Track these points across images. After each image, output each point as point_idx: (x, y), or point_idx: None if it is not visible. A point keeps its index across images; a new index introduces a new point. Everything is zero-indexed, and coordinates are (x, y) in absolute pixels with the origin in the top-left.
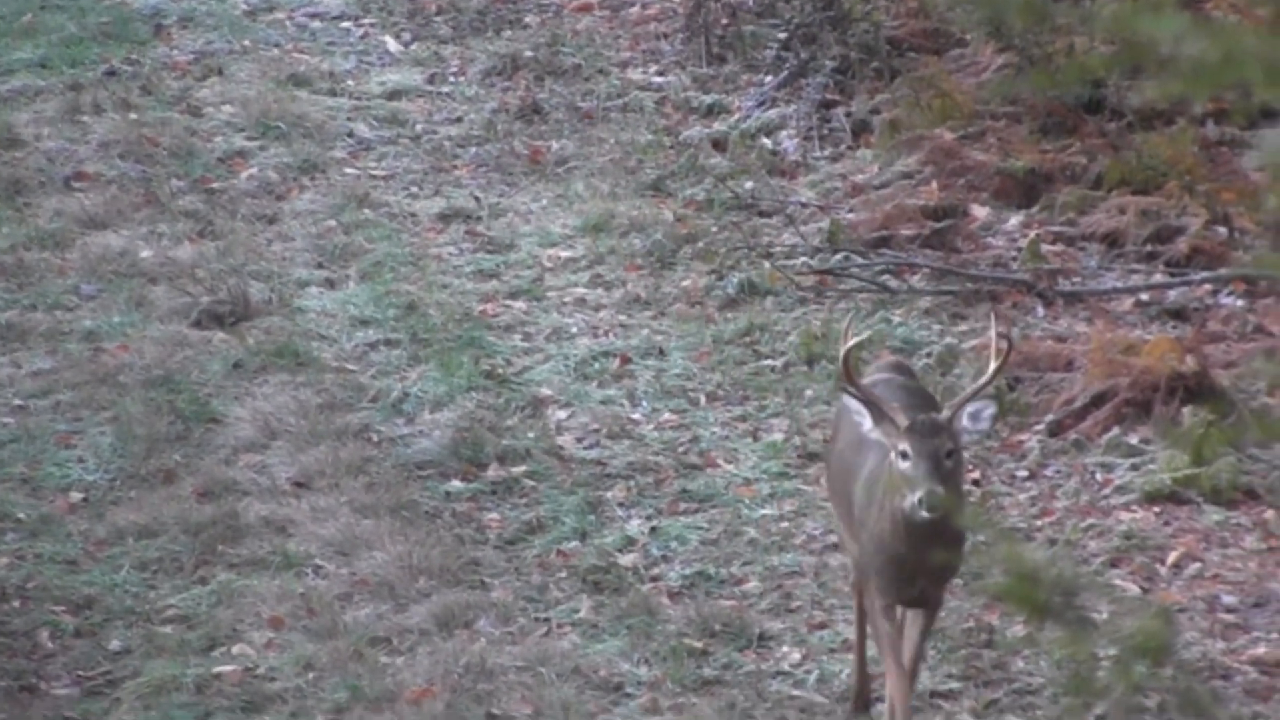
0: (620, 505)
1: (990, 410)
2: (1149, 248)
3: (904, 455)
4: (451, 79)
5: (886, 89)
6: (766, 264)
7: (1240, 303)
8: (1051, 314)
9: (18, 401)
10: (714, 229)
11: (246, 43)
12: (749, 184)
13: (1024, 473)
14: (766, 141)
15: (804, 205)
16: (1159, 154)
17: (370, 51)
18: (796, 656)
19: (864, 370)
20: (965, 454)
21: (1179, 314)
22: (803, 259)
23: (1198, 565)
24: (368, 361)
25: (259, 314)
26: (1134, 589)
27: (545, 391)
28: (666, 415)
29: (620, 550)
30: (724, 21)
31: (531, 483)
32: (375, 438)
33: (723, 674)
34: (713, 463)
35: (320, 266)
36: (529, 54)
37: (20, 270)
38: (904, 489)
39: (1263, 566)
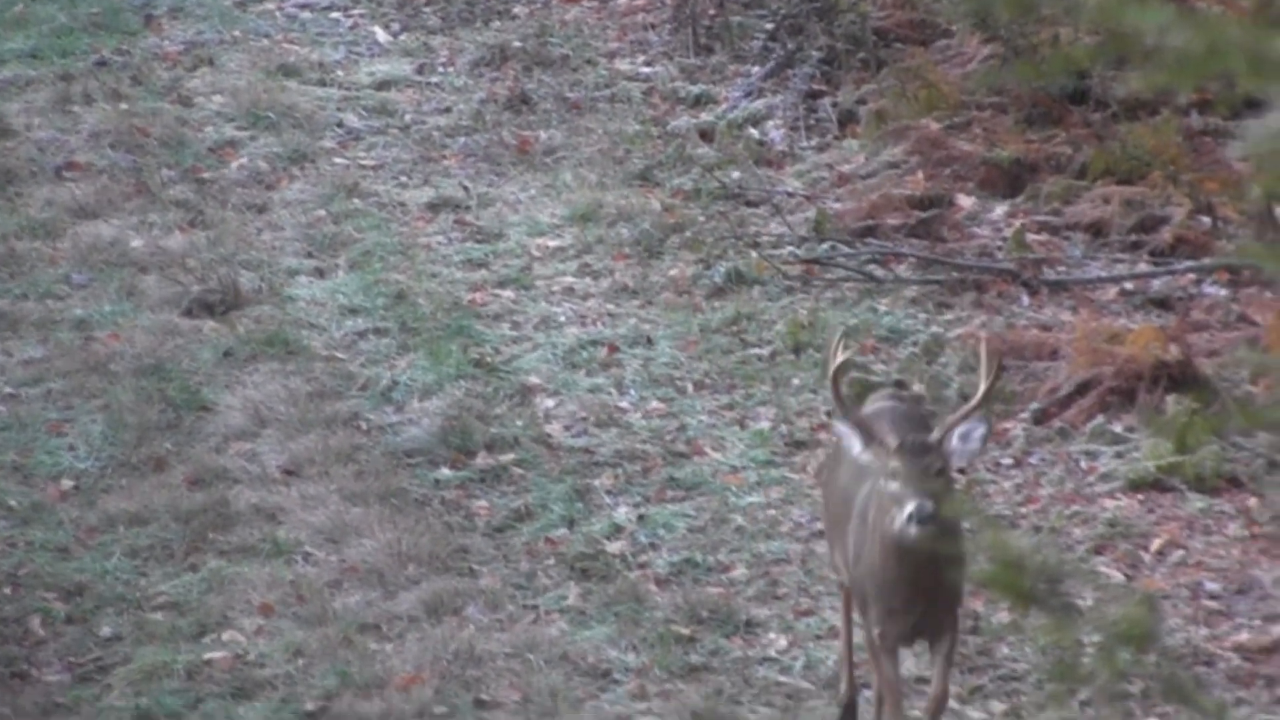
0: (608, 493)
1: (981, 430)
2: (1133, 237)
3: (893, 475)
4: (440, 69)
5: (873, 79)
6: (753, 253)
7: (1224, 292)
8: (1036, 303)
9: (9, 390)
10: (701, 218)
11: (236, 33)
12: (736, 174)
13: (1009, 460)
14: (753, 131)
15: (790, 195)
16: (1143, 144)
17: (359, 42)
18: (783, 643)
19: (863, 394)
20: None
21: (1163, 303)
22: (789, 248)
23: (1181, 552)
24: (357, 350)
25: (249, 303)
26: (1118, 576)
27: (533, 380)
28: (654, 404)
29: (608, 537)
30: (711, 12)
31: (520, 470)
32: (364, 426)
33: (710, 660)
34: (700, 451)
35: (310, 256)
36: (517, 44)
37: (12, 259)
38: (893, 509)
39: (1245, 553)
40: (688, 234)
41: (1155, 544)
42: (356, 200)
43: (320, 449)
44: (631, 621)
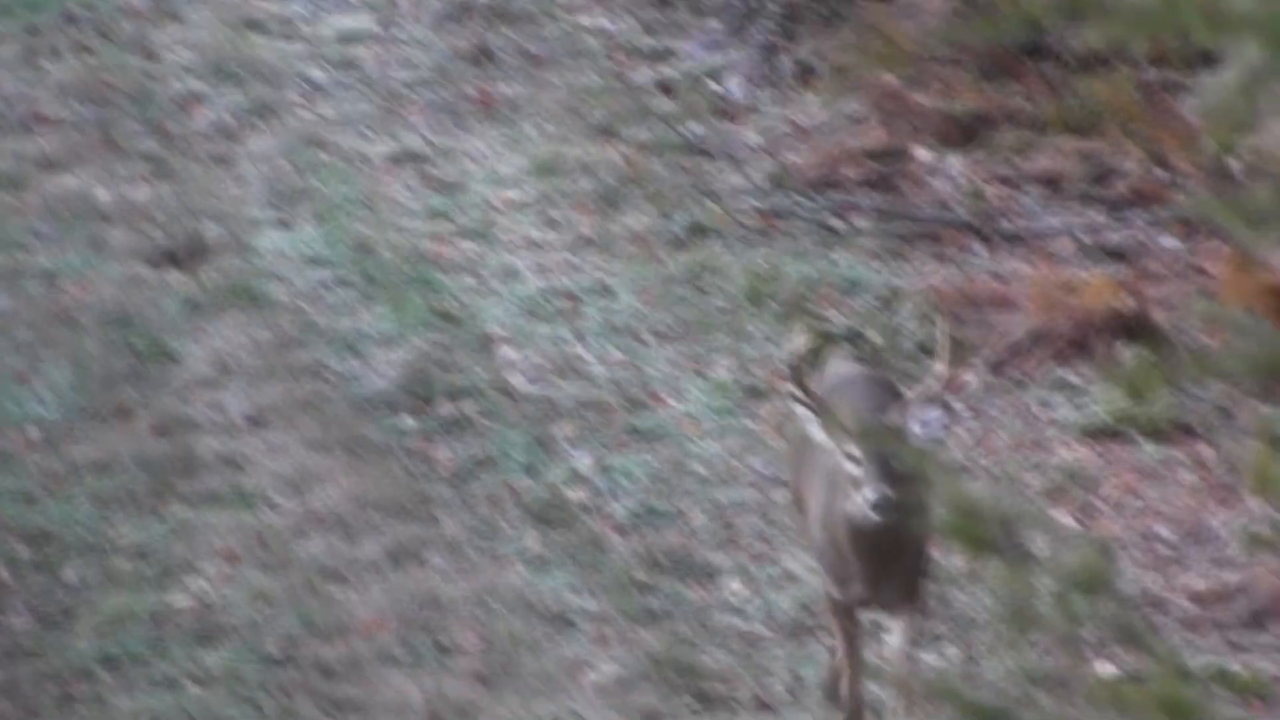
0: (569, 441)
1: (939, 415)
2: (1089, 189)
3: (852, 458)
4: (403, 23)
5: (832, 33)
6: (713, 205)
7: (1178, 244)
8: (992, 254)
9: None
10: (661, 171)
11: None
12: (696, 127)
13: (965, 409)
14: (713, 85)
15: (750, 148)
16: (1099, 98)
17: None
18: (741, 589)
19: (822, 363)
20: None
21: (1118, 254)
22: (749, 200)
23: (1135, 500)
24: (320, 300)
25: (214, 254)
26: (1073, 523)
27: (495, 330)
28: (614, 353)
29: (568, 485)
30: None
31: (481, 419)
32: (328, 375)
33: (669, 606)
34: (660, 400)
35: (274, 208)
36: None
37: None
38: (853, 492)
39: (1199, 501)
40: (648, 186)
41: (1109, 491)
42: (320, 153)
43: (284, 398)
44: (591, 568)
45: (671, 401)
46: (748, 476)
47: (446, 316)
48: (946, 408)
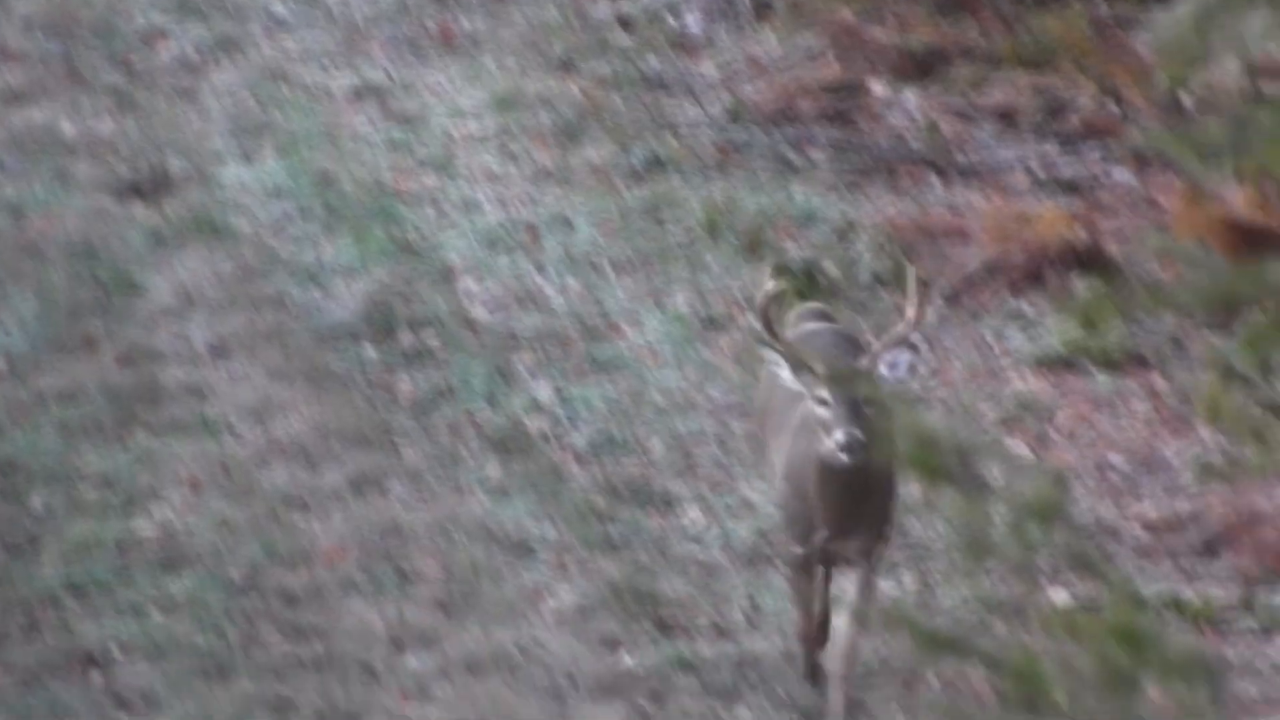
0: (529, 371)
1: (906, 358)
2: (1043, 123)
3: (822, 402)
4: None
5: None
6: (671, 139)
7: (1131, 177)
8: (947, 187)
9: None
10: (620, 105)
11: None
12: (654, 61)
13: (921, 340)
14: (671, 20)
15: (708, 82)
16: (1052, 32)
17: None
18: (699, 517)
19: (787, 311)
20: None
21: (1071, 187)
22: (707, 134)
23: (1089, 429)
24: (283, 232)
25: (178, 187)
26: (1027, 452)
27: (455, 261)
28: (574, 284)
29: (528, 415)
30: None
31: (442, 349)
32: (290, 306)
33: (627, 534)
34: (619, 330)
35: (237, 141)
36: None
37: None
38: (822, 435)
39: (1151, 430)
40: (607, 120)
41: (1064, 421)
42: (283, 86)
43: (247, 328)
44: (551, 496)
45: (630, 332)
46: (706, 406)
47: (407, 248)
48: (914, 351)
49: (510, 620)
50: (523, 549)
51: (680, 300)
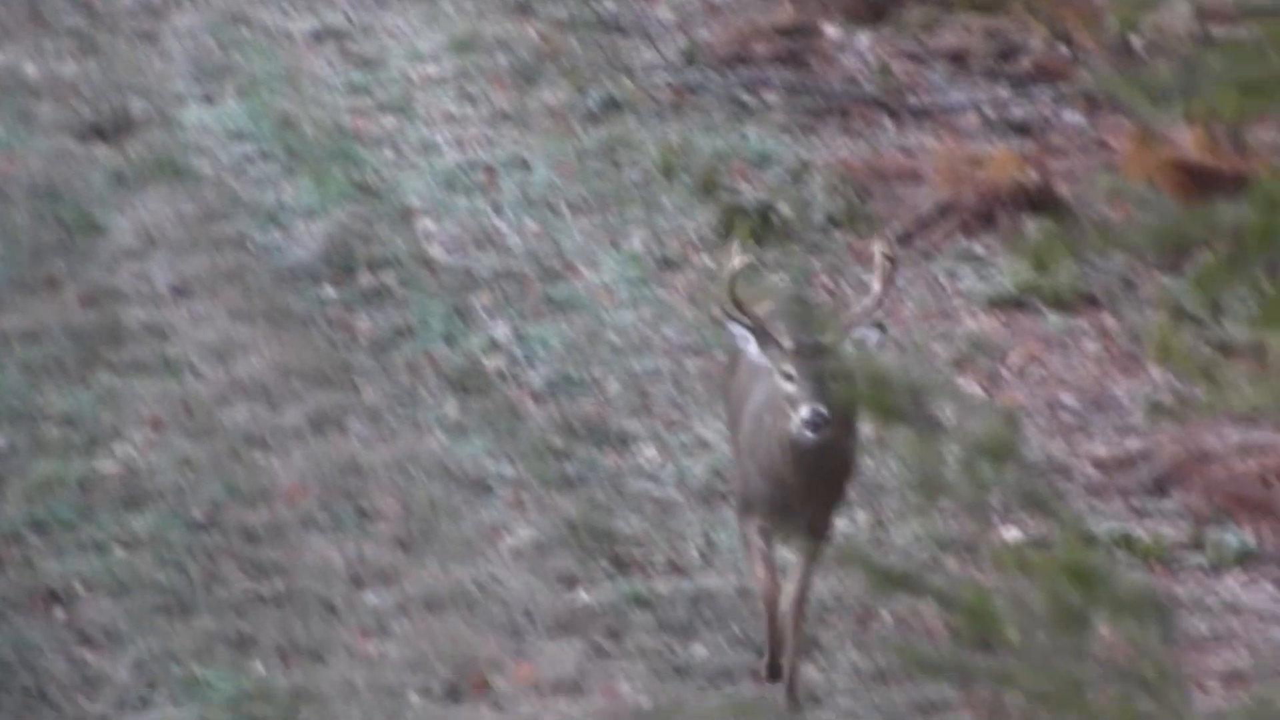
0: (486, 311)
1: (874, 336)
2: (994, 65)
3: (788, 377)
4: None
5: None
6: (627, 81)
7: (1082, 119)
8: (900, 129)
9: None
10: (576, 47)
11: None
12: (610, 4)
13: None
14: None
15: (663, 25)
16: None
17: None
18: (654, 455)
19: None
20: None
21: (1023, 129)
22: (662, 76)
23: (1040, 369)
24: (244, 174)
25: (140, 128)
26: (979, 391)
27: (414, 202)
28: (531, 225)
29: (486, 354)
30: None
31: (401, 289)
32: (251, 246)
33: (584, 472)
34: (575, 270)
35: (199, 83)
36: None
37: None
38: (788, 410)
39: (1102, 369)
40: (563, 62)
41: (1015, 360)
42: (243, 29)
43: (208, 269)
44: (508, 435)
45: (586, 272)
46: (661, 345)
47: (367, 189)
48: (881, 328)
49: (468, 557)
50: (480, 487)
51: (636, 241)
